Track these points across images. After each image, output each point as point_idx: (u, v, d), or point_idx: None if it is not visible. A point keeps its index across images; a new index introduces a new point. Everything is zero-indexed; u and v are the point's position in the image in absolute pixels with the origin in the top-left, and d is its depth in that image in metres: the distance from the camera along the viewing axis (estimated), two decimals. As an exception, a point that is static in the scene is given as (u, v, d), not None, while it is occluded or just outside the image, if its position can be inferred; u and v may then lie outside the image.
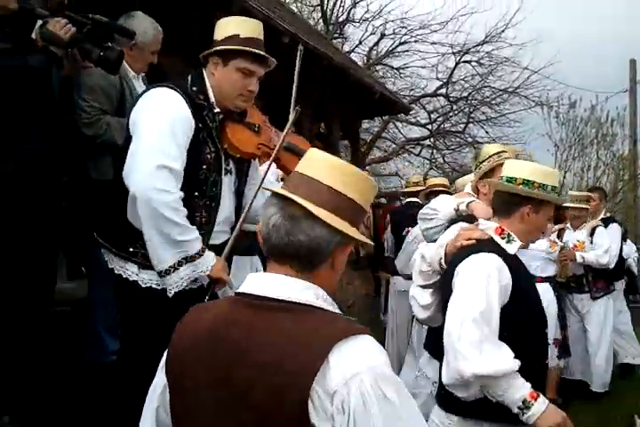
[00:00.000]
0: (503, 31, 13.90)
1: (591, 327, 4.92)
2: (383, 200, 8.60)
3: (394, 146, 14.82)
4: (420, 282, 2.30)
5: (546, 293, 4.17)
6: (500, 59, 14.10)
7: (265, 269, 1.21)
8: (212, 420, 1.10)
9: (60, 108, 2.49)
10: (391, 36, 14.31)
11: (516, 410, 1.83)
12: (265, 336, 1.08)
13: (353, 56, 13.83)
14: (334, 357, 1.05)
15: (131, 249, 2.05)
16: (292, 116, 2.28)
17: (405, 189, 5.89)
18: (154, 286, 2.05)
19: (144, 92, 2.16)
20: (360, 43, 14.53)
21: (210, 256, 2.06)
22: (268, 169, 2.23)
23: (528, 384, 1.85)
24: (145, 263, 2.04)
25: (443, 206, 2.75)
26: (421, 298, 2.32)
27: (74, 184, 2.90)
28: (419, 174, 9.88)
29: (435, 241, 2.44)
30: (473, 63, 14.27)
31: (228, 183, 2.22)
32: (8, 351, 2.34)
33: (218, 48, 2.16)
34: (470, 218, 2.42)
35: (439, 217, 2.73)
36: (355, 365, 1.05)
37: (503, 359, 1.82)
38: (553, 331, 4.22)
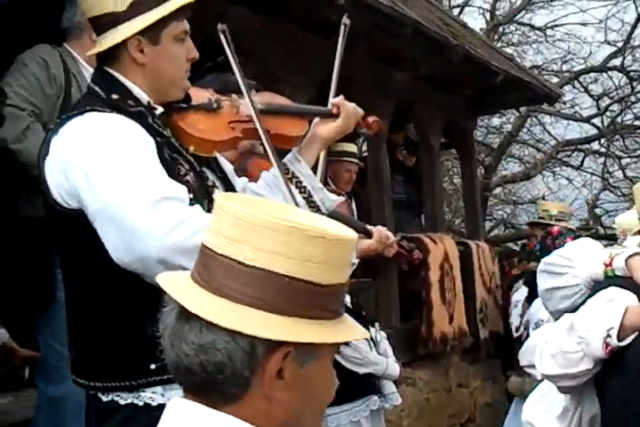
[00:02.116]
0: None
1: None
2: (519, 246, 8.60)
3: (539, 154, 14.69)
4: (554, 370, 2.26)
5: None
6: None
7: None
8: None
9: None
10: (530, -22, 14.29)
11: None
12: None
13: (470, 14, 13.84)
14: None
15: (153, 366, 2.10)
16: (235, 64, 2.44)
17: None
18: None
19: (50, 138, 2.19)
20: (480, -11, 14.56)
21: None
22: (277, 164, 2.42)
23: None
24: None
25: (584, 256, 2.72)
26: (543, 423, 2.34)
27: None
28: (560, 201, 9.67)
29: (562, 313, 2.44)
30: (667, 13, 13.95)
31: None
32: None
33: (143, 25, 2.20)
34: (626, 282, 2.42)
35: (575, 273, 2.70)
36: None
37: None
38: None
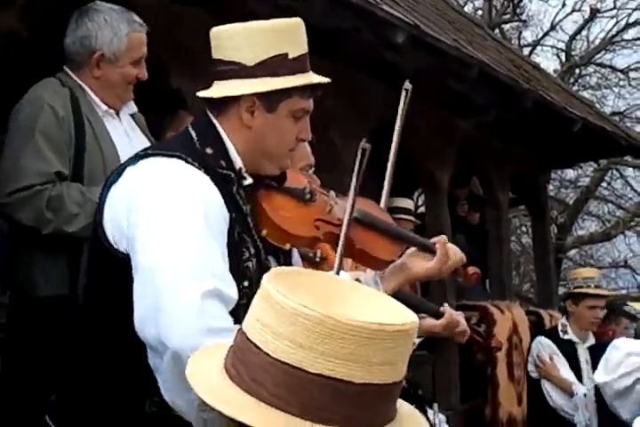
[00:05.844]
0: None
1: None
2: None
3: (620, 212, 14.51)
4: None
5: None
6: None
7: None
8: None
9: None
10: (609, 13, 14.24)
11: None
12: None
13: (543, 54, 13.79)
14: None
15: None
16: (359, 161, 2.43)
17: None
18: None
19: (125, 166, 2.27)
20: (552, 28, 14.57)
21: None
22: None
23: None
24: None
25: None
26: None
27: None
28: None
29: None
30: None
31: None
32: None
33: (264, 89, 2.27)
34: None
35: None
36: None
37: None
38: None
